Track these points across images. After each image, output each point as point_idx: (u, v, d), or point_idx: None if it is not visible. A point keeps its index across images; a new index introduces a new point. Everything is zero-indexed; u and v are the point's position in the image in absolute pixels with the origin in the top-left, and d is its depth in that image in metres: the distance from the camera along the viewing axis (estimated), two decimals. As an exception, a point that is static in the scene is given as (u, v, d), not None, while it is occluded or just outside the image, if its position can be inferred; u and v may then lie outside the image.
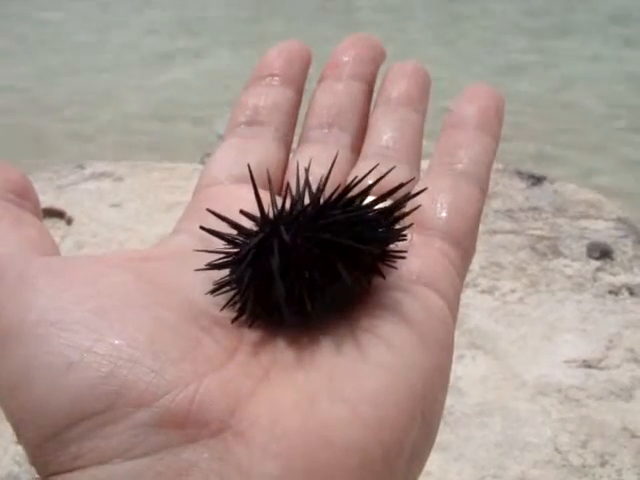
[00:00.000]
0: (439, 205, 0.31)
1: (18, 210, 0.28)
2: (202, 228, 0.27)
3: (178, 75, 2.62)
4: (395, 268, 0.27)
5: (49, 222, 1.22)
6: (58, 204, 1.24)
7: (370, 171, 0.28)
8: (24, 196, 0.28)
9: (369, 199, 0.26)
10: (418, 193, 0.28)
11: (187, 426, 0.22)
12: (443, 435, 0.84)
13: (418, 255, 0.28)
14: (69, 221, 1.22)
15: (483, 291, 1.03)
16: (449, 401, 0.87)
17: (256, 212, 0.26)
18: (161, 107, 2.34)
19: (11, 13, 3.28)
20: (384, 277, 0.26)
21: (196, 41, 2.94)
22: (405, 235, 0.27)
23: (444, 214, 0.30)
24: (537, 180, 1.22)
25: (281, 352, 0.25)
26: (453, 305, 0.28)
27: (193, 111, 2.29)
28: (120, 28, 3.11)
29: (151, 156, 1.67)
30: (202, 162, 1.41)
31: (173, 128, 2.20)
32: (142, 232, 1.17)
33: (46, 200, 1.24)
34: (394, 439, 0.23)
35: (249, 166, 0.27)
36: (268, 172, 0.30)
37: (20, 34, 3.03)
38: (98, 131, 2.18)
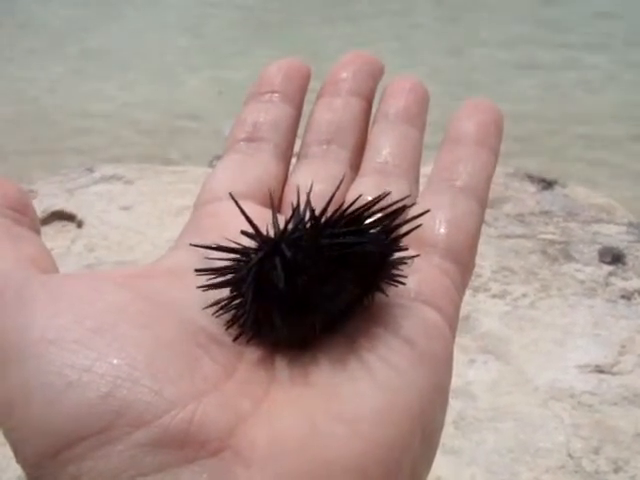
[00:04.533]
0: (438, 221, 0.30)
1: (16, 227, 0.28)
2: (199, 247, 0.26)
3: (186, 79, 2.62)
4: (395, 286, 0.27)
5: (59, 225, 1.22)
6: (68, 207, 1.24)
7: (378, 199, 0.28)
8: (22, 212, 0.28)
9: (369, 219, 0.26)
10: (419, 215, 0.28)
11: (186, 446, 0.22)
12: (455, 440, 0.83)
13: (417, 272, 0.28)
14: (79, 224, 1.22)
15: (494, 296, 1.03)
16: (460, 405, 0.87)
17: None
18: (170, 110, 2.34)
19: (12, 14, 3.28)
20: (386, 294, 0.26)
21: (203, 45, 2.94)
22: (407, 262, 0.27)
23: (443, 230, 0.30)
24: (548, 184, 1.21)
25: (281, 371, 0.25)
26: (452, 322, 0.28)
27: (202, 114, 2.29)
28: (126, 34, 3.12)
29: (160, 159, 1.68)
30: (211, 165, 1.41)
31: (182, 132, 2.20)
32: (153, 236, 1.17)
33: (56, 203, 1.24)
34: (393, 458, 0.23)
35: (232, 196, 0.27)
36: (270, 192, 0.30)
37: (27, 42, 3.04)
38: (104, 137, 2.18)
